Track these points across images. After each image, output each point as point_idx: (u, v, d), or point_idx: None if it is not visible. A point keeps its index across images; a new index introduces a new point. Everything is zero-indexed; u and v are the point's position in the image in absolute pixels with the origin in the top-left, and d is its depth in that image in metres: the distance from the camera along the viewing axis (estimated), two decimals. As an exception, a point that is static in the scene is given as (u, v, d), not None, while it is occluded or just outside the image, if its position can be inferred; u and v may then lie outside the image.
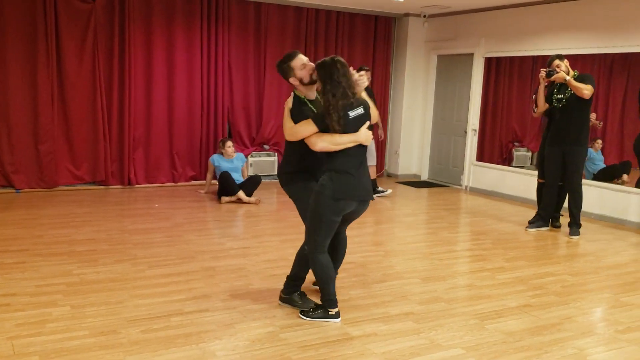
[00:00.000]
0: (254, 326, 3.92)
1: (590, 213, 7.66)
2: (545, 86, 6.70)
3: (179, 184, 9.03)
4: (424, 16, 10.21)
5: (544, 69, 6.57)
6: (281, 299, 4.31)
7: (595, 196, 7.70)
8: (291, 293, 4.28)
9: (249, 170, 9.23)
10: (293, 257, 4.25)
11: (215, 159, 8.26)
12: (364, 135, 3.88)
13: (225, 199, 7.92)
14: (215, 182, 8.35)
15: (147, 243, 5.81)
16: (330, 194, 3.79)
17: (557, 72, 6.44)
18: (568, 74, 6.46)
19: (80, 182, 8.45)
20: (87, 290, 4.43)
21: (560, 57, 6.58)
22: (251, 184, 8.11)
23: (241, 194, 7.88)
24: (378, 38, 10.30)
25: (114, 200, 7.89)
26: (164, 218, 6.92)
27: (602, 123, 8.10)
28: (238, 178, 8.14)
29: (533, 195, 7.49)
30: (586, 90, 6.35)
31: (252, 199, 7.95)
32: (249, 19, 9.21)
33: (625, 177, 7.94)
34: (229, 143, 8.27)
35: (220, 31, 8.95)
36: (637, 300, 4.76)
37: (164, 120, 8.82)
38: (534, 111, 6.92)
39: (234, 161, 8.25)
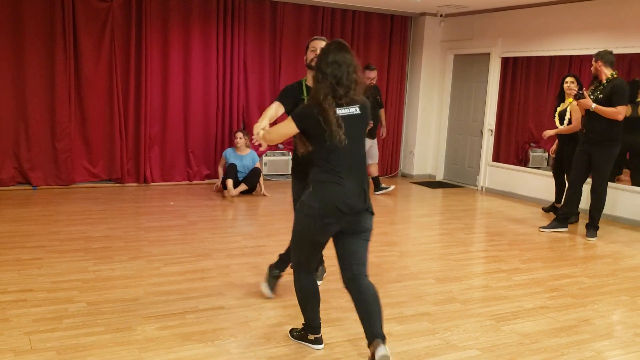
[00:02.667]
0: (269, 324, 3.92)
1: (608, 215, 7.58)
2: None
3: (194, 182, 9.06)
4: (441, 15, 10.17)
5: (576, 91, 6.56)
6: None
7: (611, 198, 7.62)
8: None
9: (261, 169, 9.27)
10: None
11: (228, 153, 8.35)
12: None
13: (228, 189, 8.05)
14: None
15: (162, 240, 5.83)
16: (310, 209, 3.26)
17: (585, 96, 6.43)
18: (599, 76, 6.44)
19: (96, 180, 8.50)
20: (103, 287, 4.45)
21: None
22: (252, 176, 8.27)
23: (230, 186, 8.06)
24: (394, 37, 10.27)
25: (130, 197, 7.93)
26: (179, 216, 6.95)
27: None
28: (244, 172, 8.29)
29: (549, 197, 7.44)
30: (620, 115, 6.30)
31: (237, 189, 8.09)
32: (265, 18, 9.22)
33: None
34: (238, 134, 8.36)
35: (236, 30, 8.97)
36: (656, 303, 4.71)
37: (179, 118, 8.85)
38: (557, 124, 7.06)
39: (243, 159, 8.29)
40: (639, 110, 7.58)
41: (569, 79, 7.17)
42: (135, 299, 4.25)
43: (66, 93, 8.04)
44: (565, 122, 7.21)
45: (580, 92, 6.42)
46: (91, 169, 8.44)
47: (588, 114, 6.51)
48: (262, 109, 9.35)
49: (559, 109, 7.34)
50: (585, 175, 6.75)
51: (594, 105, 6.32)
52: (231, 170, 8.20)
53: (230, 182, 8.07)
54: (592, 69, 6.52)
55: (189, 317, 3.97)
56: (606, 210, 7.42)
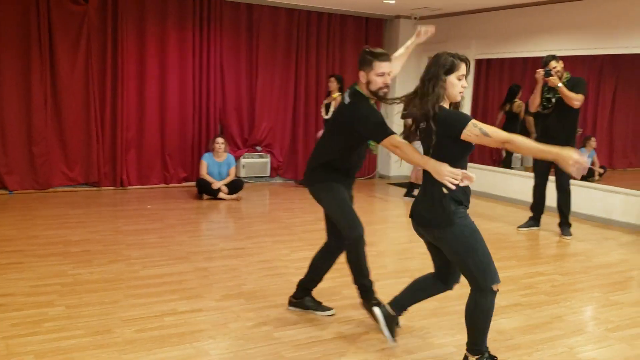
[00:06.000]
0: (248, 325, 3.95)
1: (580, 213, 7.72)
2: (542, 85, 6.71)
3: (171, 185, 9.04)
4: (415, 18, 10.26)
5: (542, 69, 6.56)
6: (291, 304, 4.26)
7: (584, 196, 7.77)
8: (302, 297, 4.24)
9: (240, 171, 9.29)
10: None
11: (206, 160, 8.32)
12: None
13: (206, 195, 8.18)
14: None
15: (140, 244, 5.84)
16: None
17: (553, 75, 6.47)
18: (562, 76, 6.51)
19: (73, 184, 8.45)
20: (82, 291, 4.45)
21: (556, 58, 6.59)
22: (233, 187, 8.28)
23: (221, 194, 8.15)
24: (369, 40, 10.32)
25: (107, 201, 7.91)
26: (156, 219, 6.94)
27: (581, 130, 8.17)
28: (221, 178, 8.32)
29: (523, 196, 7.54)
30: (577, 101, 6.39)
31: (233, 195, 8.22)
32: (241, 21, 9.24)
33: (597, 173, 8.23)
34: (219, 139, 8.35)
35: (212, 33, 8.98)
36: (626, 299, 4.82)
37: (156, 121, 8.83)
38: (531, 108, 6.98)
39: (221, 165, 8.30)
40: (514, 107, 9.38)
41: (332, 78, 8.56)
42: (114, 302, 4.26)
43: (42, 97, 7.99)
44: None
45: (549, 70, 6.51)
46: (68, 173, 8.39)
47: (550, 115, 6.60)
48: (238, 111, 9.41)
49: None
50: (547, 177, 6.87)
51: (560, 84, 6.40)
52: (204, 187, 8.20)
53: (206, 197, 8.20)
54: (560, 69, 6.49)
55: (168, 320, 3.99)
56: (578, 208, 7.57)
